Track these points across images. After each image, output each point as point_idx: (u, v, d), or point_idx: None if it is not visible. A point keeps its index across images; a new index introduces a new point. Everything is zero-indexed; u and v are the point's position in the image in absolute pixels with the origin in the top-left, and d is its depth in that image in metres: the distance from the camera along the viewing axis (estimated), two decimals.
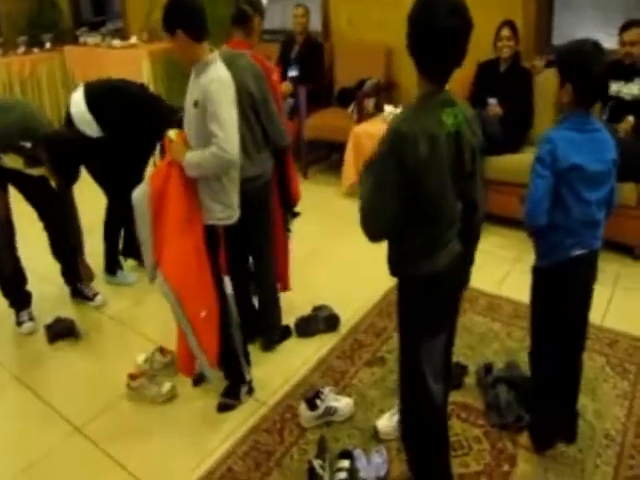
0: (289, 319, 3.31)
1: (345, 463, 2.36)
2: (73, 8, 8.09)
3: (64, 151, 3.09)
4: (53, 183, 3.26)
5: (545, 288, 2.28)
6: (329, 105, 5.80)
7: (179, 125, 2.57)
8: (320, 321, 3.32)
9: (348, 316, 3.42)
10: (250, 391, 2.86)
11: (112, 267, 3.94)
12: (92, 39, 7.21)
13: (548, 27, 4.91)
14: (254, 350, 3.08)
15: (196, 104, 2.39)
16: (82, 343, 3.36)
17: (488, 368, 2.86)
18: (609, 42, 3.76)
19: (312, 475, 2.34)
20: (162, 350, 3.08)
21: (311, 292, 3.59)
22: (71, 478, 2.51)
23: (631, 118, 3.88)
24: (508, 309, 3.44)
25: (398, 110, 4.94)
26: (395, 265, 1.96)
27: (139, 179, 3.08)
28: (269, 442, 2.60)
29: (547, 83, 4.32)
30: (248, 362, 2.88)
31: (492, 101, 4.44)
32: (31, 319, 3.49)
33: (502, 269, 3.87)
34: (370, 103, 5.30)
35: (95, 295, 3.71)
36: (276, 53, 5.71)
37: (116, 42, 7.01)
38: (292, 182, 3.17)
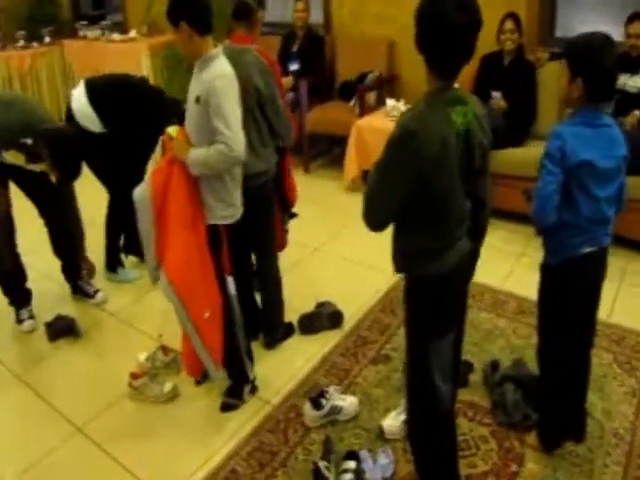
0: (292, 316, 3.28)
1: (351, 464, 2.33)
2: (72, 2, 8.02)
3: (65, 147, 3.06)
4: (54, 179, 3.22)
5: (554, 286, 2.24)
6: (330, 99, 5.74)
7: (183, 118, 2.52)
8: (324, 318, 3.28)
9: (352, 312, 3.38)
10: (253, 390, 2.83)
11: (113, 264, 3.90)
12: (91, 33, 7.15)
13: (551, 19, 4.86)
14: (257, 348, 3.05)
15: (197, 100, 2.35)
16: (83, 341, 3.33)
17: (494, 366, 2.83)
18: (613, 35, 3.72)
19: (317, 476, 2.31)
20: (164, 348, 3.05)
21: (314, 288, 3.56)
22: (72, 479, 2.48)
23: (637, 112, 3.84)
24: (513, 305, 3.41)
25: (400, 104, 4.91)
26: (401, 263, 1.93)
27: (141, 175, 3.05)
28: (273, 442, 2.57)
29: (551, 76, 4.25)
30: (251, 360, 2.85)
31: (496, 94, 4.40)
32: (31, 317, 3.46)
33: (507, 264, 3.84)
34: (372, 96, 5.26)
35: (96, 292, 3.68)
36: (276, 46, 5.65)
37: (115, 36, 6.96)
38: (290, 184, 3.15)
